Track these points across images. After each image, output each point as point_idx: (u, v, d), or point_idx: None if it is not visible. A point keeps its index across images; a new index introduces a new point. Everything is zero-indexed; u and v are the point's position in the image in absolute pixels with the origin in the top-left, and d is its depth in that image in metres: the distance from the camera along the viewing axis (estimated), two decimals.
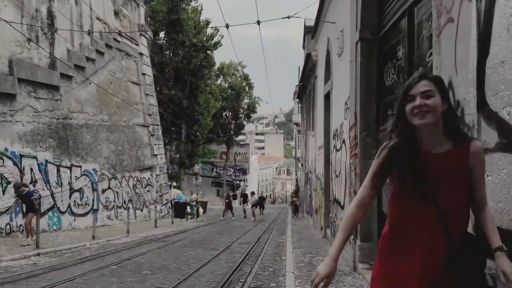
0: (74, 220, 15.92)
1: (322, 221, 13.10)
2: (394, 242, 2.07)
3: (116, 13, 21.63)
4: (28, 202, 11.36)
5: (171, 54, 35.16)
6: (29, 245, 10.84)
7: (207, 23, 36.49)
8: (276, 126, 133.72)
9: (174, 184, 35.09)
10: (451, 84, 2.98)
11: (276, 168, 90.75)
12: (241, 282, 6.84)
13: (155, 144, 24.02)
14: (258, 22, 10.25)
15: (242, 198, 26.89)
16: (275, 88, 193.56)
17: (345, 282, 6.28)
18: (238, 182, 56.56)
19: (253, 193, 26.91)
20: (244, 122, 57.46)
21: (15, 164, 13.21)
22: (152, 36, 28.11)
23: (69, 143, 16.14)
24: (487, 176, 2.51)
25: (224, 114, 52.52)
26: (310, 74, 18.35)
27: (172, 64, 34.55)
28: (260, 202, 31.16)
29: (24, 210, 11.95)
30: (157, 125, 24.91)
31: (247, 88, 53.52)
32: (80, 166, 16.65)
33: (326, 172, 12.08)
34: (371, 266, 3.33)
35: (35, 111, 14.43)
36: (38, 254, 10.02)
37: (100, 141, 18.40)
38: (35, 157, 14.17)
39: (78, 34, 17.70)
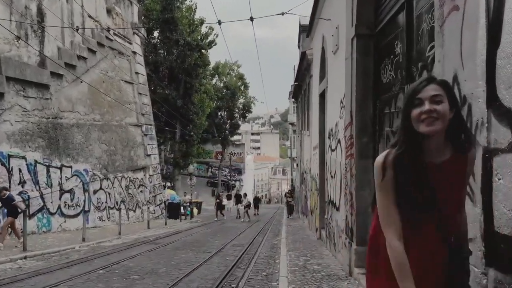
0: (65, 221, 15.59)
1: (317, 222, 12.88)
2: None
3: (109, 11, 21.29)
4: (9, 206, 10.99)
5: (165, 53, 34.78)
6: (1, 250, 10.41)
7: (202, 22, 36.16)
8: (271, 126, 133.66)
9: (169, 184, 34.78)
10: (456, 78, 2.72)
11: (272, 168, 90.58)
12: (232, 287, 6.58)
13: (148, 144, 23.69)
14: (251, 19, 9.97)
15: (235, 199, 26.65)
16: (271, 88, 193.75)
17: None
18: (233, 182, 56.23)
19: (245, 194, 26.65)
20: (240, 122, 57.25)
21: (3, 164, 12.88)
22: (145, 35, 27.77)
23: (59, 143, 15.81)
24: (499, 179, 2.26)
25: (219, 114, 52.22)
26: (305, 73, 18.12)
27: (166, 63, 34.17)
28: (255, 203, 30.95)
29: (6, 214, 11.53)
30: (150, 124, 24.58)
31: (242, 88, 53.26)
32: (70, 167, 16.32)
33: (321, 172, 11.85)
34: None
35: (24, 110, 14.10)
36: (25, 257, 9.70)
37: (91, 141, 18.08)
38: (24, 157, 13.83)
39: (69, 32, 17.37)
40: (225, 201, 30.74)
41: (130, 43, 23.50)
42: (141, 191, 22.45)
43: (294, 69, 28.44)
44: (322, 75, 11.52)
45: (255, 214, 29.13)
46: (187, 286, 6.63)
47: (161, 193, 25.34)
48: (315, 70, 13.70)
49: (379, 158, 1.91)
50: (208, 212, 31.86)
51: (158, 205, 24.37)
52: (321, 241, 11.48)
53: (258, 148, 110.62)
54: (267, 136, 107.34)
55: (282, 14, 9.72)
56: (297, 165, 29.88)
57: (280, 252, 9.97)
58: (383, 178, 1.88)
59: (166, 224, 20.42)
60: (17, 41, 14.22)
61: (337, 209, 8.52)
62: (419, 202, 1.85)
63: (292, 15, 10.00)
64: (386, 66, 5.83)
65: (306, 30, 16.63)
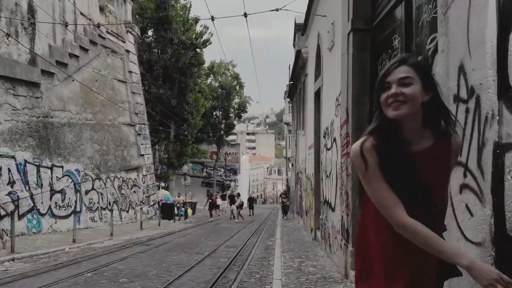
0: (55, 222, 15.29)
1: (312, 223, 12.68)
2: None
3: (102, 9, 21.00)
4: None
5: (160, 52, 34.44)
6: None
7: (196, 20, 35.88)
8: (267, 126, 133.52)
9: (163, 184, 34.48)
10: (462, 68, 2.51)
11: (267, 168, 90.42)
12: None
13: (142, 144, 23.39)
14: (245, 15, 9.75)
15: (229, 200, 26.42)
16: (267, 88, 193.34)
17: None
18: (228, 182, 55.94)
19: (238, 194, 26.42)
20: (235, 122, 56.94)
21: None
22: (139, 33, 27.45)
23: (50, 143, 15.51)
24: (511, 177, 2.05)
25: (214, 113, 51.90)
26: (300, 72, 17.93)
27: (160, 62, 33.83)
28: (250, 203, 30.73)
29: None
30: (144, 124, 24.28)
31: (237, 88, 52.98)
32: (62, 167, 16.02)
33: (316, 172, 11.65)
34: None
35: (13, 109, 13.82)
36: (13, 259, 9.44)
37: (83, 140, 17.78)
38: (13, 157, 13.53)
39: (61, 30, 17.08)
40: (219, 201, 30.51)
41: (124, 42, 23.22)
42: (134, 192, 22.15)
43: (289, 68, 28.28)
44: (317, 73, 11.32)
45: (249, 215, 28.92)
46: None
47: (154, 193, 25.05)
48: (310, 69, 13.51)
49: (355, 146, 1.74)
50: (202, 213, 31.57)
51: (151, 205, 24.08)
52: (316, 242, 11.29)
53: (254, 148, 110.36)
54: (263, 136, 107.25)
55: (277, 10, 9.51)
56: (292, 165, 29.71)
57: (275, 254, 9.75)
58: (366, 167, 1.71)
59: (159, 225, 20.15)
60: (7, 39, 13.94)
61: (333, 210, 8.32)
62: (405, 192, 1.68)
63: (287, 15, 9.88)
64: (384, 62, 5.63)
65: (301, 29, 16.44)
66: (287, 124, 46.33)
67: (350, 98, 6.31)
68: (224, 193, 36.50)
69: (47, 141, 15.37)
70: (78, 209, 16.72)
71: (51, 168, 15.35)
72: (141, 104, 24.40)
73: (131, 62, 23.75)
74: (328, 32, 8.76)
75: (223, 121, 52.59)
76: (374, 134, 1.74)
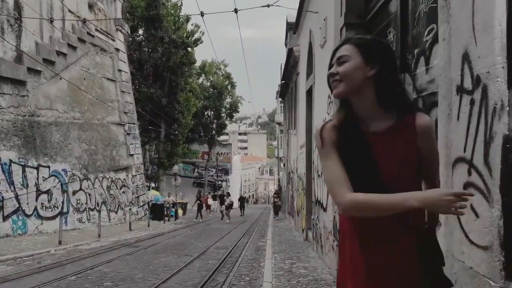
0: (41, 223, 14.93)
1: (303, 223, 12.50)
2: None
3: (91, 7, 20.67)
4: None
5: (150, 50, 34.02)
6: None
7: (187, 19, 35.55)
8: (259, 126, 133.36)
9: (153, 185, 34.12)
10: (466, 56, 2.31)
11: (259, 168, 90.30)
12: None
13: (131, 144, 23.05)
14: (236, 11, 9.54)
15: (219, 200, 26.16)
16: (258, 88, 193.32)
17: None
18: (220, 182, 55.64)
19: (228, 194, 26.18)
20: (227, 122, 56.63)
21: None
22: (129, 32, 27.09)
23: (36, 142, 15.16)
24: None
25: (206, 113, 51.52)
26: (292, 71, 17.75)
27: (151, 61, 33.43)
28: (241, 203, 30.47)
29: None
30: (133, 123, 23.95)
31: (229, 87, 52.64)
32: (48, 167, 15.66)
33: (308, 171, 11.46)
34: None
35: None
36: None
37: (71, 140, 17.43)
38: None
39: (48, 27, 16.73)
40: (210, 201, 30.20)
41: (113, 40, 22.88)
42: (123, 192, 21.81)
43: (281, 67, 28.08)
44: (309, 71, 11.14)
45: (240, 215, 28.68)
46: None
47: (144, 193, 24.71)
48: (302, 67, 13.32)
49: (318, 126, 1.76)
50: (193, 213, 31.27)
51: (141, 206, 23.75)
52: (308, 243, 11.10)
53: (245, 148, 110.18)
54: (254, 136, 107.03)
55: (268, 6, 9.31)
56: (284, 165, 29.52)
57: (265, 255, 9.54)
58: (322, 144, 1.70)
59: (149, 225, 19.84)
60: None
61: (324, 210, 8.12)
62: (362, 175, 1.61)
63: (279, 15, 9.67)
64: None
65: (293, 28, 16.25)
66: (279, 124, 46.15)
67: None
68: (216, 193, 36.22)
69: (33, 140, 15.02)
70: (65, 210, 16.37)
71: (37, 168, 15.00)
72: (131, 103, 24.07)
73: (120, 60, 23.41)
74: (320, 28, 8.56)
75: (215, 121, 52.23)
76: (337, 116, 1.74)
